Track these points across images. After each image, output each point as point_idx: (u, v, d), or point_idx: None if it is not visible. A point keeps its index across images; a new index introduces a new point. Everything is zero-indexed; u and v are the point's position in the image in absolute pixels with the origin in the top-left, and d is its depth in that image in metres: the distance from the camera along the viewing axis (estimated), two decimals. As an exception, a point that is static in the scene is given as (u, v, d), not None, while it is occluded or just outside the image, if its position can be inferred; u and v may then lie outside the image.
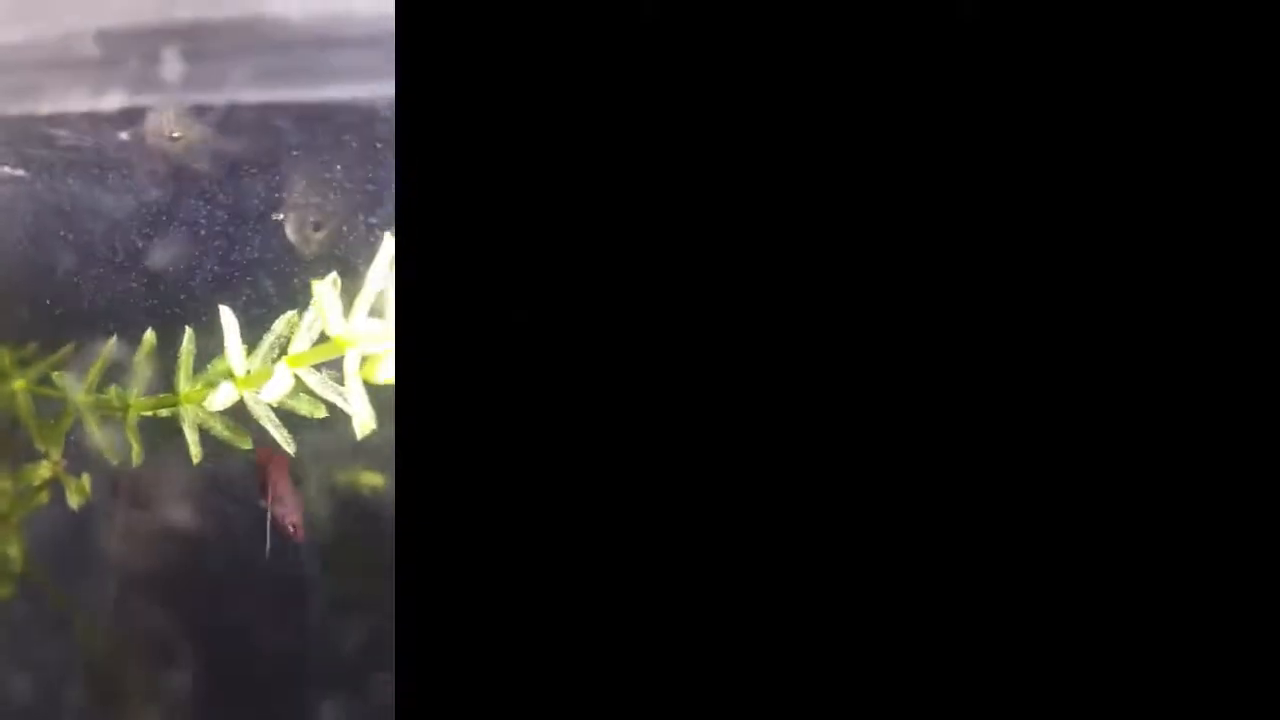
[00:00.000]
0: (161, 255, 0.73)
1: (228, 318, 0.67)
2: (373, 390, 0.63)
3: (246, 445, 0.72)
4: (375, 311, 0.62)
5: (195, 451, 0.71)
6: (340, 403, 0.65)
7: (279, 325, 0.68)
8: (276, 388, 0.65)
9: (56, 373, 0.74)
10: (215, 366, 0.70)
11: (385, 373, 0.62)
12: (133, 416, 0.73)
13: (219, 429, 0.72)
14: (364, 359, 0.62)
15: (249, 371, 0.68)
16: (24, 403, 0.77)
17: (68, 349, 0.77)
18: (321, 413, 0.69)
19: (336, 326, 0.62)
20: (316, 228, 0.69)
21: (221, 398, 0.68)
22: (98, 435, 0.74)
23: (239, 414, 0.72)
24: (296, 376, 0.67)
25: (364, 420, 0.62)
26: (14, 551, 0.75)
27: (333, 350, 0.64)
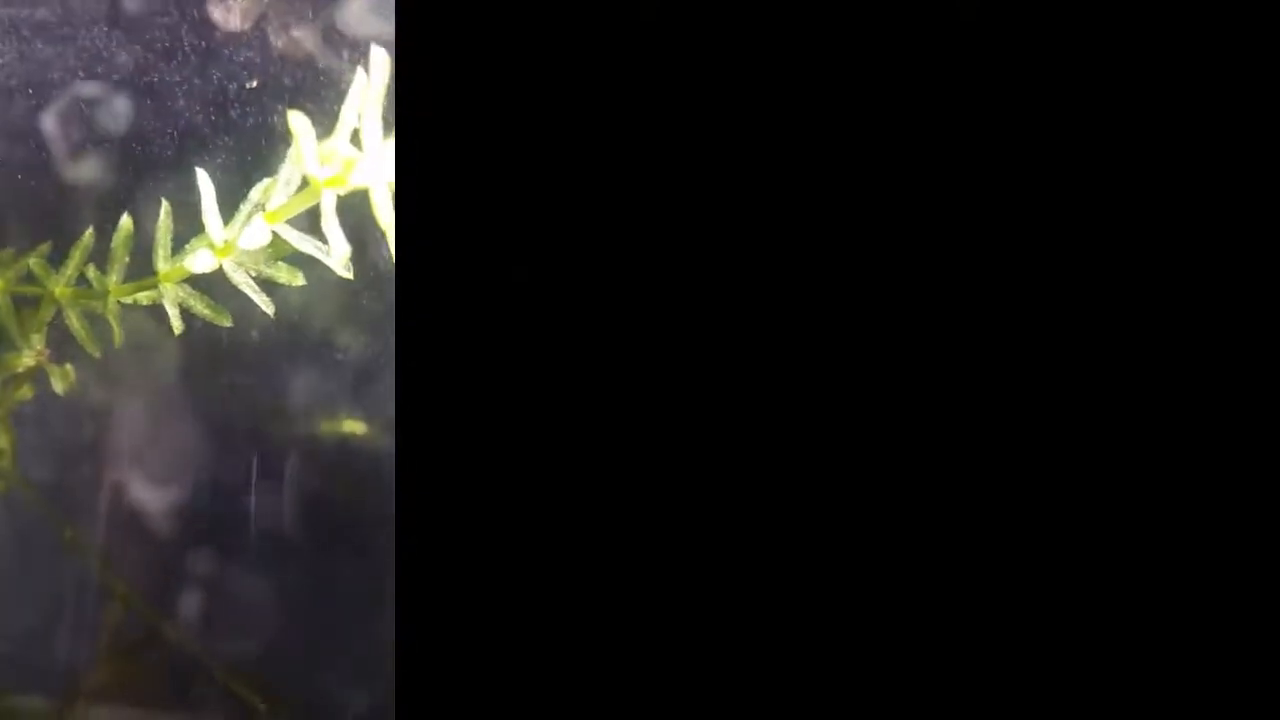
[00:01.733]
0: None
1: (203, 180, 0.67)
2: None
3: (226, 323, 0.72)
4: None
5: (176, 325, 0.71)
6: (318, 253, 0.65)
7: (256, 193, 0.68)
8: (252, 239, 0.65)
9: (34, 259, 0.74)
10: (195, 243, 0.70)
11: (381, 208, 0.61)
12: (112, 302, 0.73)
13: (200, 308, 0.72)
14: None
15: (227, 241, 0.68)
16: (3, 303, 0.76)
17: (44, 246, 0.77)
18: (300, 280, 0.69)
19: (311, 163, 0.62)
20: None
21: (200, 264, 0.68)
22: (78, 326, 0.74)
23: (220, 292, 0.72)
24: (276, 235, 0.67)
25: (342, 256, 0.62)
26: (2, 443, 0.75)
27: (310, 196, 0.64)
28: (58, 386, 0.74)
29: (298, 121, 0.60)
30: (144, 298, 0.73)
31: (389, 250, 0.56)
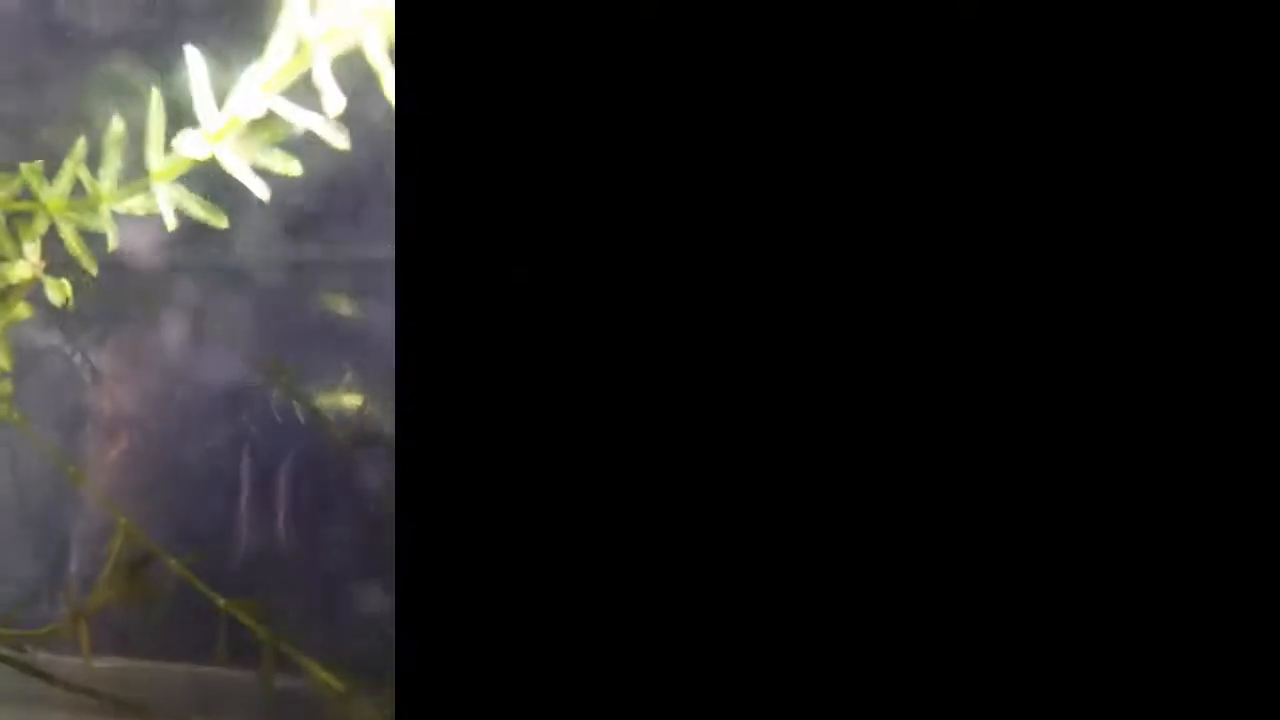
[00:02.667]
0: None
1: (193, 58, 0.64)
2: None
3: (223, 224, 0.69)
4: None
5: (170, 223, 0.68)
6: (316, 126, 0.62)
7: (248, 74, 0.65)
8: (247, 107, 0.62)
9: (29, 169, 0.71)
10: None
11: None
12: (105, 208, 0.70)
13: (195, 209, 0.69)
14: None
15: (220, 129, 0.65)
16: (-4, 222, 0.74)
17: (38, 163, 0.74)
18: (297, 170, 0.66)
19: (302, 14, 0.59)
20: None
21: (189, 146, 0.65)
22: (71, 240, 0.71)
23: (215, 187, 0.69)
24: (271, 113, 0.64)
25: (337, 108, 0.59)
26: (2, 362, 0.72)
27: (304, 60, 0.61)
28: (54, 298, 0.70)
29: (286, -35, 0.58)
30: (137, 205, 0.70)
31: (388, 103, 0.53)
